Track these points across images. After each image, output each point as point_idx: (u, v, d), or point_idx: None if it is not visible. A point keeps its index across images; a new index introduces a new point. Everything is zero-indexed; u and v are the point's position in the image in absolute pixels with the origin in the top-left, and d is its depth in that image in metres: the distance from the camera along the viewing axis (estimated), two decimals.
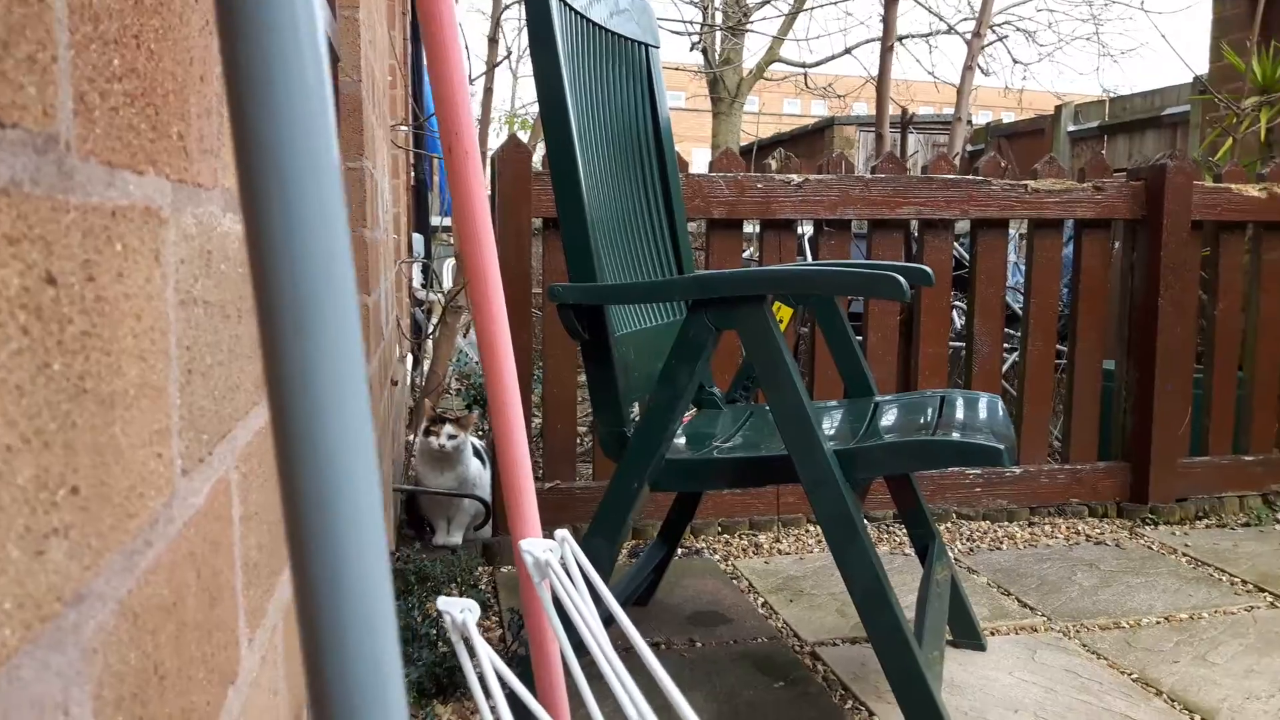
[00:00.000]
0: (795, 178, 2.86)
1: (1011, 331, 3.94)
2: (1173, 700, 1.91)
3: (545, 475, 2.76)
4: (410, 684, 1.78)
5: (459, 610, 0.77)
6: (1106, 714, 1.85)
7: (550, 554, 0.88)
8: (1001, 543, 2.83)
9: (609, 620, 0.99)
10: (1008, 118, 10.38)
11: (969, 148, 9.06)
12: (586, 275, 1.67)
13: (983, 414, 1.86)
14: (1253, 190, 3.14)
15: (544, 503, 2.64)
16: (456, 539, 2.73)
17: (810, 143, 10.09)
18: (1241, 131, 4.26)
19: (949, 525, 2.95)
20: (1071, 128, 7.35)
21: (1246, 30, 4.81)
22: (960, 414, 1.86)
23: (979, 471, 3.01)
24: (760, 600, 2.40)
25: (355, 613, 0.41)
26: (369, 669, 0.42)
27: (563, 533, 0.90)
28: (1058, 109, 7.64)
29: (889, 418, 1.96)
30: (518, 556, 0.91)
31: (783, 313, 2.21)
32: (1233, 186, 3.12)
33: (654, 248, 2.15)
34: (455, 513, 2.73)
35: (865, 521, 2.93)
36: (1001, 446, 1.51)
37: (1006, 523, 2.99)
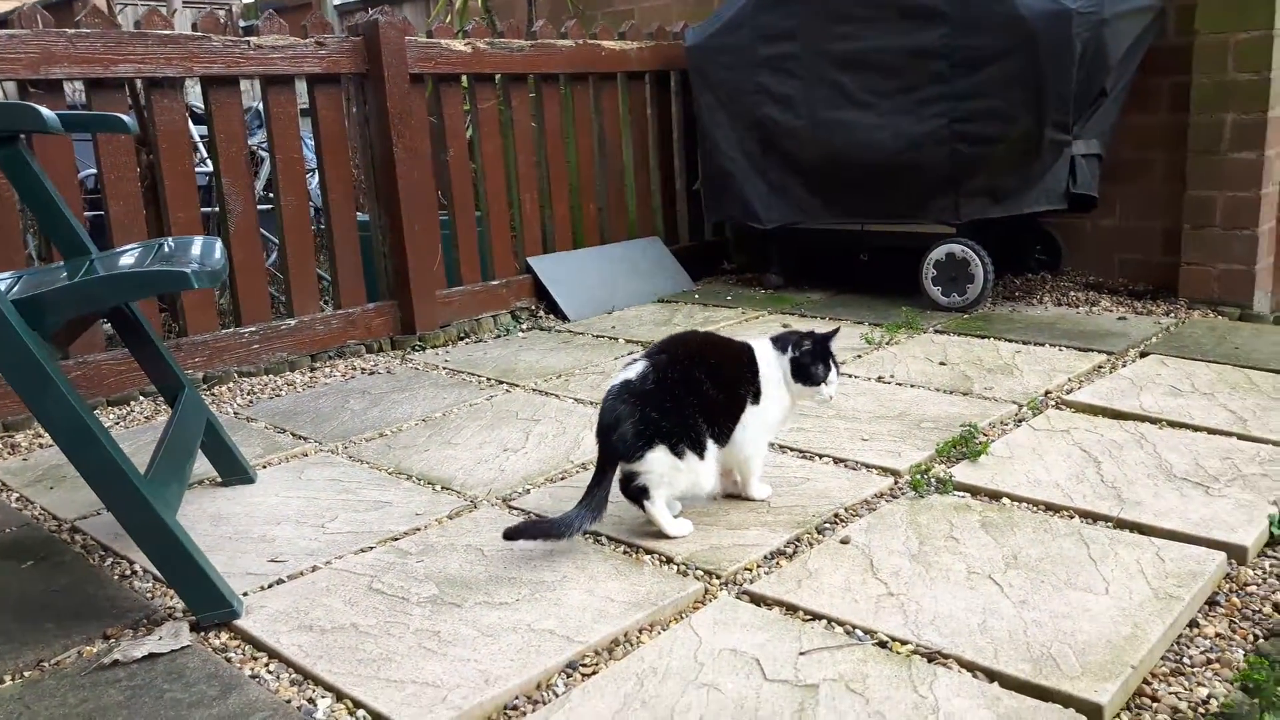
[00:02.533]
0: None
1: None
2: (420, 479, 2.21)
3: None
4: None
5: None
6: (361, 503, 2.08)
7: None
8: (281, 390, 2.95)
9: None
10: None
11: (242, 23, 8.78)
12: None
13: (198, 251, 1.89)
14: (460, 45, 3.54)
15: None
16: None
17: (60, 16, 8.83)
18: None
19: (231, 385, 2.98)
20: (337, 1, 7.50)
21: None
22: (175, 254, 1.87)
23: (254, 329, 3.07)
24: (15, 495, 2.20)
25: None
26: None
27: None
28: None
29: (104, 268, 1.88)
30: None
31: None
32: (442, 41, 3.49)
33: None
34: None
35: (141, 394, 2.82)
36: (187, 270, 1.55)
37: (288, 372, 3.11)
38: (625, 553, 1.79)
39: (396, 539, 1.89)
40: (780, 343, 1.94)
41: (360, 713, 1.36)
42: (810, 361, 1.89)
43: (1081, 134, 3.33)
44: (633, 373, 1.80)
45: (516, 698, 1.39)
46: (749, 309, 3.78)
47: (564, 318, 3.78)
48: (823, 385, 1.90)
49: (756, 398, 1.88)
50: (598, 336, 3.48)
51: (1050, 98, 3.20)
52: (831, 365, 1.92)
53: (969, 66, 3.33)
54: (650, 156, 4.37)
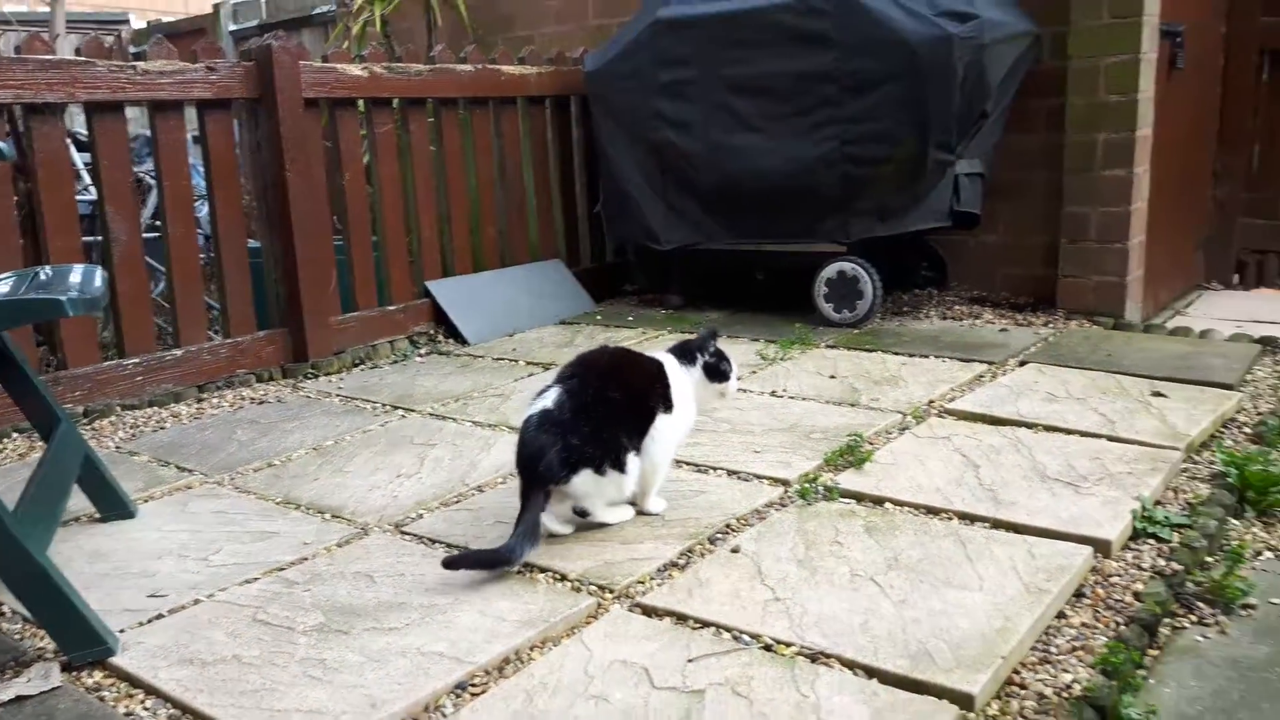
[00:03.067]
0: None
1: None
2: (309, 508, 2.17)
3: None
4: None
5: None
6: (248, 534, 2.03)
7: None
8: (166, 423, 2.86)
9: None
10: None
11: (133, 48, 8.55)
12: None
13: (77, 279, 1.84)
14: (356, 70, 3.52)
15: None
16: None
17: None
18: (357, 24, 4.71)
19: (113, 419, 2.88)
20: (233, 27, 7.36)
21: None
22: (51, 282, 1.81)
23: (138, 360, 2.98)
24: None
25: None
26: None
27: None
28: (216, 8, 7.58)
29: None
30: None
31: None
32: (338, 66, 3.46)
33: None
34: None
35: (15, 431, 2.71)
36: (61, 298, 1.51)
37: (174, 404, 3.02)
38: (519, 572, 1.79)
39: (283, 569, 1.86)
40: (682, 353, 2.05)
41: None
42: (718, 361, 2.04)
43: (964, 154, 3.46)
44: (549, 400, 1.84)
45: None
46: (650, 329, 3.82)
47: (464, 341, 3.76)
48: (731, 380, 2.06)
49: (669, 408, 1.93)
50: (498, 360, 3.47)
51: (934, 119, 3.33)
52: (730, 361, 2.07)
53: (857, 90, 3.44)
54: (551, 180, 4.40)
